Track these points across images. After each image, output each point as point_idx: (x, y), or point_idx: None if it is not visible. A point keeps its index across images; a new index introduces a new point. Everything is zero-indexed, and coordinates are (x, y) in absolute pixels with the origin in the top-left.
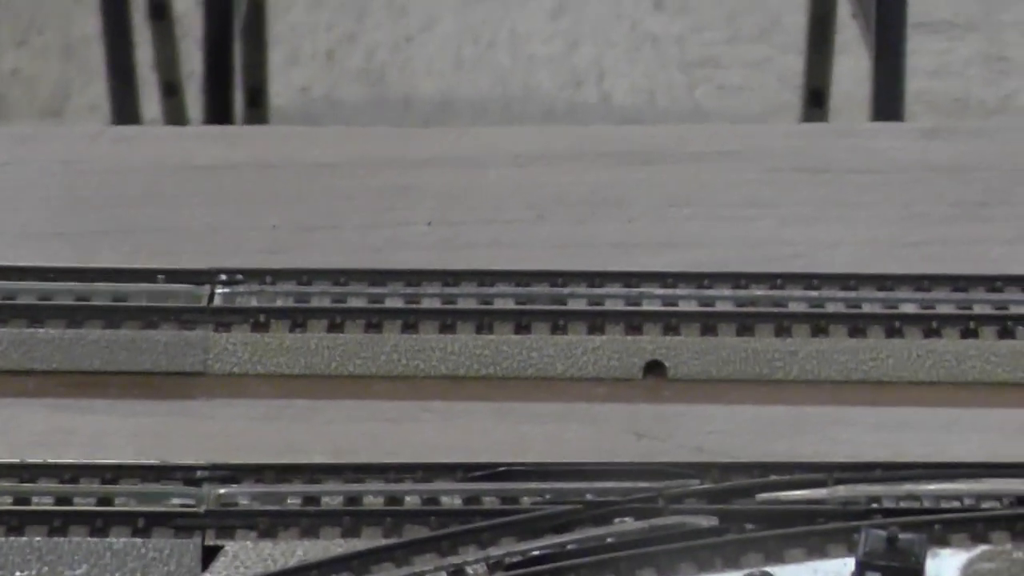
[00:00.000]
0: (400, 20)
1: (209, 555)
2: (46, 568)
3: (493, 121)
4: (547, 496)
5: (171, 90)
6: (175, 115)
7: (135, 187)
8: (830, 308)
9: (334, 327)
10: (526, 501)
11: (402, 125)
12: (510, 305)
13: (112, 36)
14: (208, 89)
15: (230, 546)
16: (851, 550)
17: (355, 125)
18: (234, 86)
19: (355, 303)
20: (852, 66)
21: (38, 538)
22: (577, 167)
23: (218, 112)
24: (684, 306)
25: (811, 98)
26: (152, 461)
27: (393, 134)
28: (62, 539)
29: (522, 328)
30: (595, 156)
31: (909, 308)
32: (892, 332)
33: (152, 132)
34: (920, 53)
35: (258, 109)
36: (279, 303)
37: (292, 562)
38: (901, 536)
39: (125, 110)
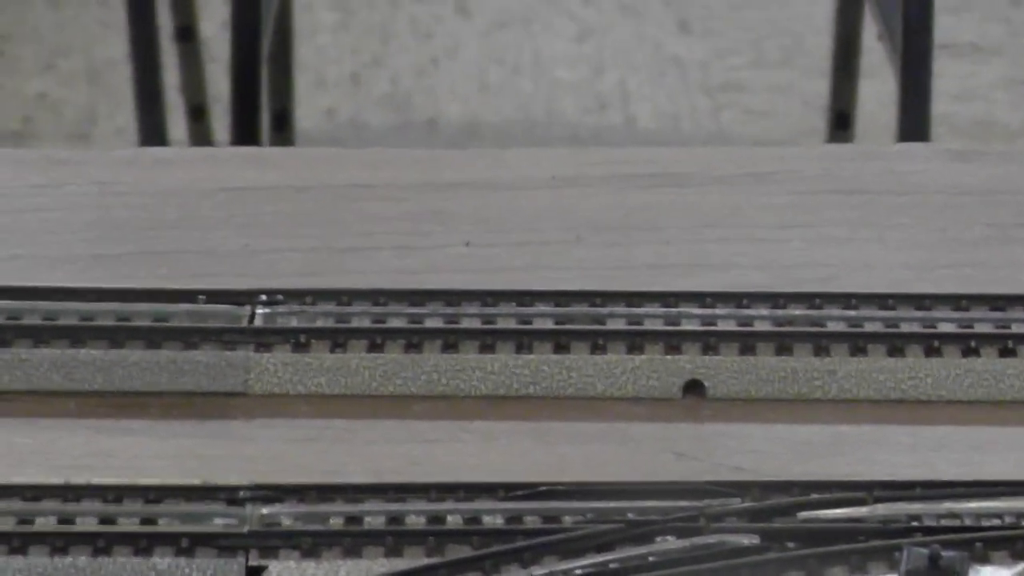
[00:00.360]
0: (425, 44)
1: (253, 575)
2: None
3: (518, 145)
4: (588, 515)
5: (198, 114)
6: (201, 139)
7: (171, 209)
8: (868, 328)
9: (374, 347)
10: (567, 520)
11: (427, 148)
12: (549, 325)
13: (140, 59)
14: (235, 112)
15: (273, 566)
16: (893, 568)
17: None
18: (261, 109)
19: (395, 323)
20: (877, 89)
21: (83, 558)
22: (610, 189)
23: (245, 135)
24: (723, 326)
25: (837, 121)
26: (194, 482)
27: (424, 156)
28: (106, 559)
29: (561, 348)
30: (627, 178)
31: (947, 327)
32: (930, 351)
33: (186, 154)
34: (944, 76)
35: (284, 132)
36: (319, 323)
37: None
38: (943, 554)
39: (153, 133)
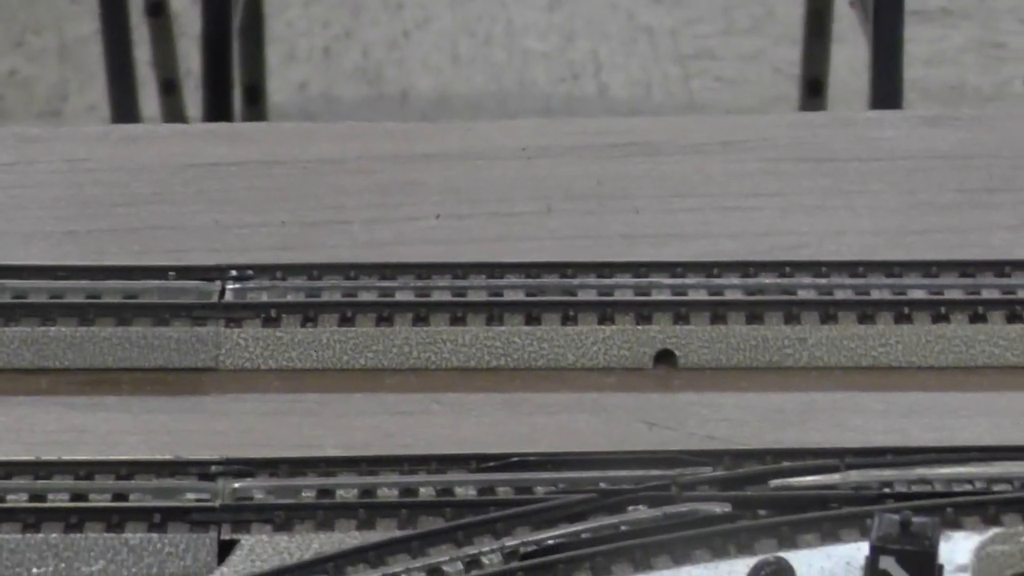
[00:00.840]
0: (396, 16)
1: (225, 549)
2: (63, 564)
3: (490, 116)
4: (560, 485)
5: (169, 88)
6: (173, 113)
7: (142, 186)
8: (839, 295)
9: (345, 321)
10: (540, 491)
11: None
12: (520, 297)
13: (111, 34)
14: (207, 87)
15: (246, 540)
16: (864, 534)
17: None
18: (233, 84)
19: (366, 297)
20: (848, 55)
21: (54, 535)
22: (582, 159)
23: (217, 110)
24: (693, 295)
25: (809, 88)
26: (166, 457)
27: (396, 129)
28: (78, 535)
29: (532, 319)
30: (599, 148)
31: (918, 294)
32: (901, 318)
33: (157, 131)
34: (915, 41)
35: (256, 107)
36: (290, 298)
37: (308, 555)
38: (914, 520)
39: (124, 110)
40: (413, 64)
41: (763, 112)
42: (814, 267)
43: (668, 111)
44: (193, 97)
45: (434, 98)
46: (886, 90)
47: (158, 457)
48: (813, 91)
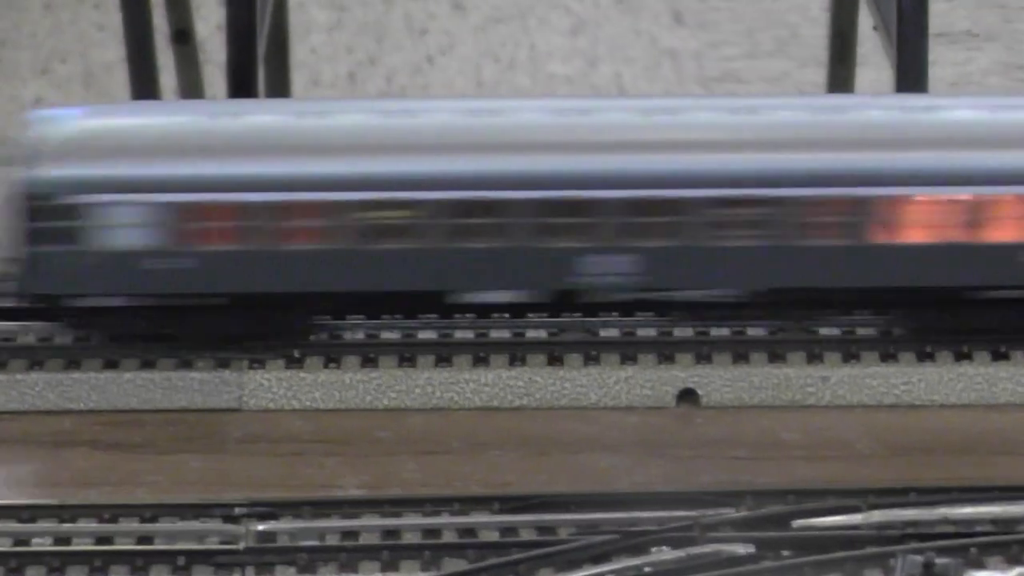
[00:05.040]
0: (420, 42)
1: None
2: None
3: None
4: (583, 526)
5: None
6: None
7: None
8: (861, 334)
9: (368, 362)
10: (562, 532)
11: None
12: (543, 337)
13: (136, 61)
14: None
15: None
16: (888, 574)
17: None
18: None
19: (388, 337)
20: (872, 78)
21: None
22: None
23: None
24: (716, 334)
25: None
26: (190, 499)
27: None
28: None
29: (555, 359)
30: None
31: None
32: (923, 357)
33: None
34: (941, 63)
35: None
36: (312, 339)
37: None
38: (937, 561)
39: None
40: (437, 89)
41: None
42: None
43: None
44: None
45: None
46: None
47: (182, 499)
48: None
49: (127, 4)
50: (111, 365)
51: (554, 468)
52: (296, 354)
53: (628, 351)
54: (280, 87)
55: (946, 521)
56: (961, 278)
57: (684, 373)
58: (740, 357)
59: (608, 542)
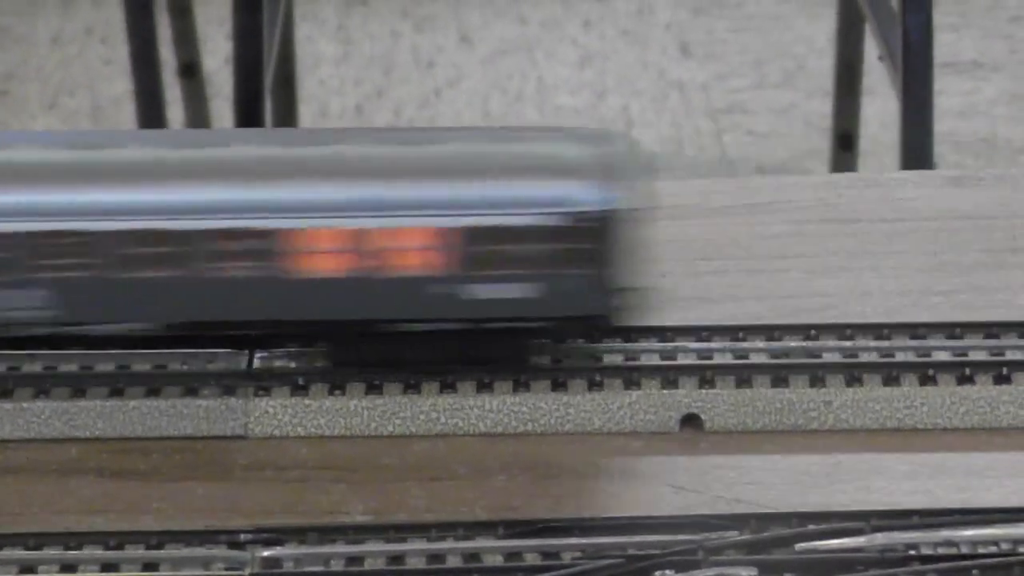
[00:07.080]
0: (427, 75)
1: None
2: None
3: None
4: (587, 551)
5: None
6: None
7: None
8: (864, 357)
9: (372, 388)
10: (567, 556)
11: None
12: (546, 362)
13: (144, 95)
14: None
15: None
16: None
17: None
18: None
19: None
20: (879, 109)
21: None
22: None
23: None
24: (719, 359)
25: (840, 142)
26: (196, 526)
27: None
28: None
29: (558, 385)
30: None
31: (942, 356)
32: (926, 380)
33: None
34: (947, 94)
35: None
36: (318, 365)
37: None
38: None
39: None
40: (445, 122)
41: (791, 170)
42: (839, 329)
43: (700, 165)
44: None
45: None
46: (916, 144)
47: (187, 526)
48: (844, 145)
49: (134, 38)
50: (117, 393)
51: (559, 493)
52: (301, 381)
53: (632, 376)
54: (288, 120)
55: (949, 543)
56: (371, 311)
57: (687, 398)
58: (743, 382)
59: (612, 566)
